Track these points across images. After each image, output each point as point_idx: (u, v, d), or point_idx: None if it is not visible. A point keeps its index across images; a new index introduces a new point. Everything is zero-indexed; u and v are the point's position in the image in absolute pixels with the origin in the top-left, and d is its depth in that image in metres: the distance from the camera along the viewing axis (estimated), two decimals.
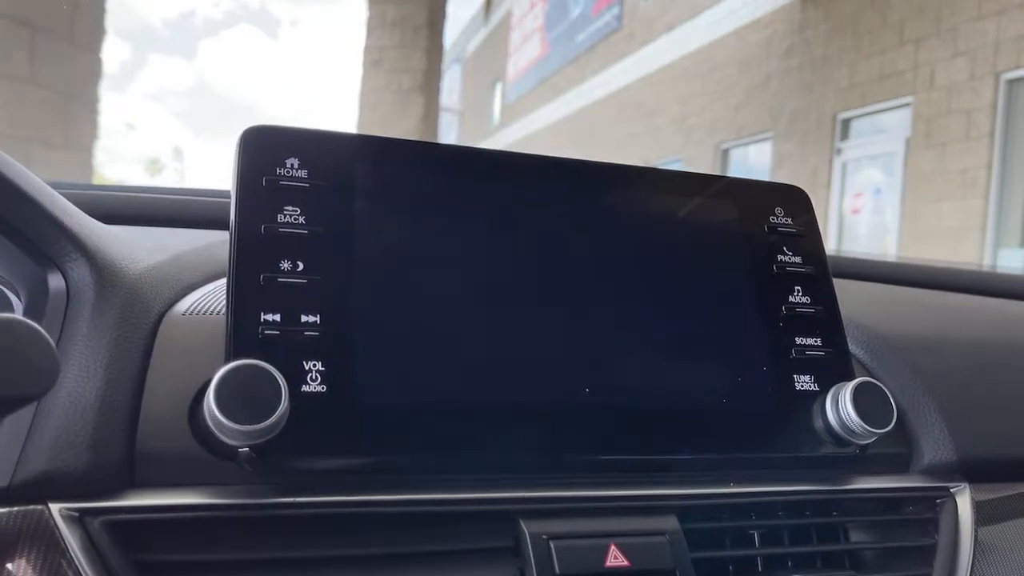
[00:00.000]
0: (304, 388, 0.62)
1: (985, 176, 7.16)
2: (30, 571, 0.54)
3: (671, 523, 0.68)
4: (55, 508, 0.56)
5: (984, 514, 0.80)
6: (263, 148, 0.68)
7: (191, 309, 0.70)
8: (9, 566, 0.54)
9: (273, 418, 0.57)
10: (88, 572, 0.54)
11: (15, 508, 0.56)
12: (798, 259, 0.82)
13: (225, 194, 0.76)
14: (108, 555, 0.55)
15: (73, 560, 0.54)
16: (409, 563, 0.62)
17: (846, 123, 8.77)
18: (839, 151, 8.79)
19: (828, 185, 8.81)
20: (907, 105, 7.90)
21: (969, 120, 7.23)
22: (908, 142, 7.91)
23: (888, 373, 0.84)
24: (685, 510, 0.69)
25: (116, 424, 0.60)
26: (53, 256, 0.64)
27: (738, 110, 10.45)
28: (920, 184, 7.78)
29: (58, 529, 0.55)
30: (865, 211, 8.60)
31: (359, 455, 0.62)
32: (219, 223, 0.86)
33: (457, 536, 0.64)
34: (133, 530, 0.57)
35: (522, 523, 0.64)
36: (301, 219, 0.66)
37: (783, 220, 0.83)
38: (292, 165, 0.68)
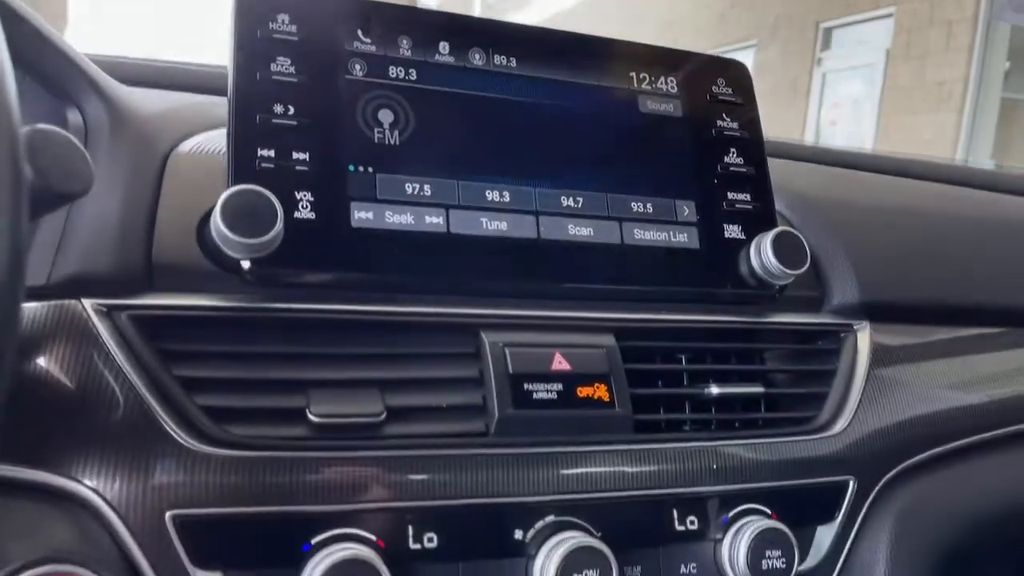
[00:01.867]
0: (296, 214, 0.72)
1: (961, 89, 7.24)
2: (68, 357, 0.65)
3: (608, 340, 0.80)
4: (87, 303, 0.66)
5: (882, 352, 0.93)
6: (256, 5, 0.76)
7: (195, 149, 0.79)
8: (50, 353, 0.65)
9: (271, 234, 0.67)
10: (118, 357, 0.65)
11: (52, 302, 0.66)
12: (735, 125, 0.92)
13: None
14: (135, 343, 0.66)
15: (104, 347, 0.65)
16: (386, 362, 0.74)
17: (828, 32, 8.74)
18: (820, 61, 8.79)
19: (807, 95, 8.85)
20: (890, 16, 7.88)
21: (950, 31, 7.25)
22: (888, 53, 7.93)
23: (807, 226, 0.95)
24: (621, 331, 0.81)
25: (136, 237, 0.70)
26: (72, 93, 0.73)
27: (723, 18, 10.35)
28: (898, 96, 7.84)
29: (91, 320, 0.66)
30: (842, 122, 8.67)
31: (343, 271, 0.73)
32: (223, 90, 0.94)
33: (428, 343, 0.75)
34: (154, 324, 0.68)
35: (483, 334, 0.76)
36: (291, 69, 0.75)
37: (724, 90, 0.93)
38: (283, 20, 0.76)
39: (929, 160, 1.47)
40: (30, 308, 0.66)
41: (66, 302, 0.67)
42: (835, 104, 8.72)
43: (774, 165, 0.93)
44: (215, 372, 0.68)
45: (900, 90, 7.79)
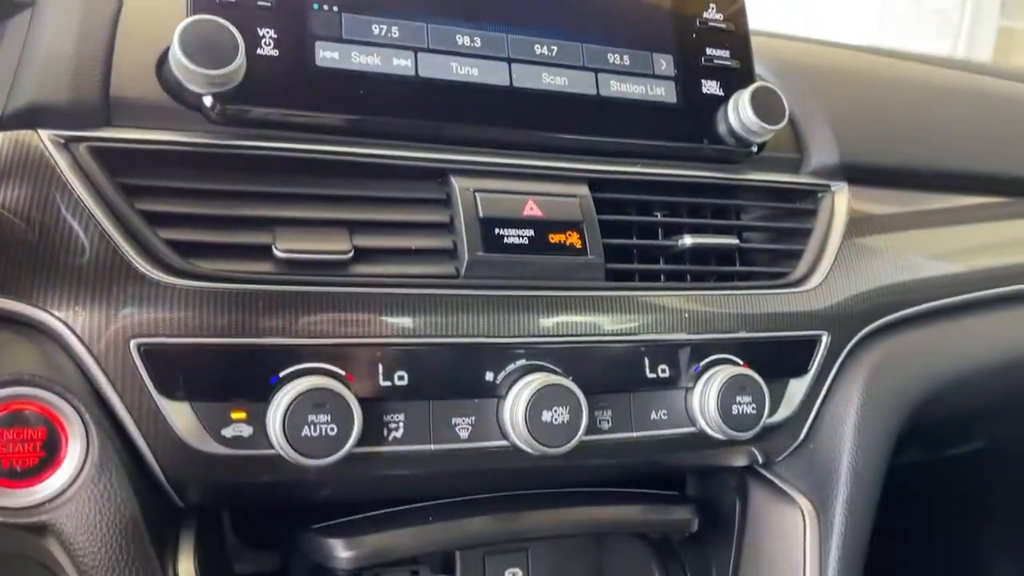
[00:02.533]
0: (258, 51, 0.70)
1: (958, 17, 7.12)
2: (28, 190, 0.64)
3: (582, 189, 0.79)
4: (44, 134, 0.65)
5: (859, 213, 0.93)
6: None
7: None
8: (9, 185, 0.64)
9: (233, 65, 0.65)
10: (78, 190, 0.64)
11: (7, 133, 0.65)
12: None
13: None
14: (95, 177, 0.65)
15: (64, 180, 0.64)
16: (354, 203, 0.72)
17: None
18: None
19: (807, 25, 8.70)
20: None
21: None
22: None
23: (788, 88, 0.93)
24: (596, 181, 0.80)
25: (92, 69, 0.68)
26: None
27: None
28: (894, 24, 7.72)
29: (48, 152, 0.64)
30: None
31: (308, 110, 0.72)
32: None
33: (397, 187, 0.74)
34: (114, 157, 0.66)
35: (452, 178, 0.75)
36: None
37: None
38: None
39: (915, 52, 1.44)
40: None
41: (22, 132, 0.65)
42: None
43: (759, 40, 0.91)
44: (178, 207, 0.67)
45: (897, 18, 7.67)
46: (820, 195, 0.91)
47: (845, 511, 0.83)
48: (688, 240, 0.82)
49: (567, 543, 0.95)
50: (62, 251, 0.63)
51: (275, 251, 0.68)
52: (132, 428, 0.63)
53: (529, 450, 0.71)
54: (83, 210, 0.63)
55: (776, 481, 0.88)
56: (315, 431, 0.64)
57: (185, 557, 0.66)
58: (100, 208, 0.64)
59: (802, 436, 0.86)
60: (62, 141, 0.65)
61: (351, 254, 0.70)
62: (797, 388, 0.85)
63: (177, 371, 0.64)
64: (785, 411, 0.84)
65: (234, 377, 0.65)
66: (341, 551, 0.72)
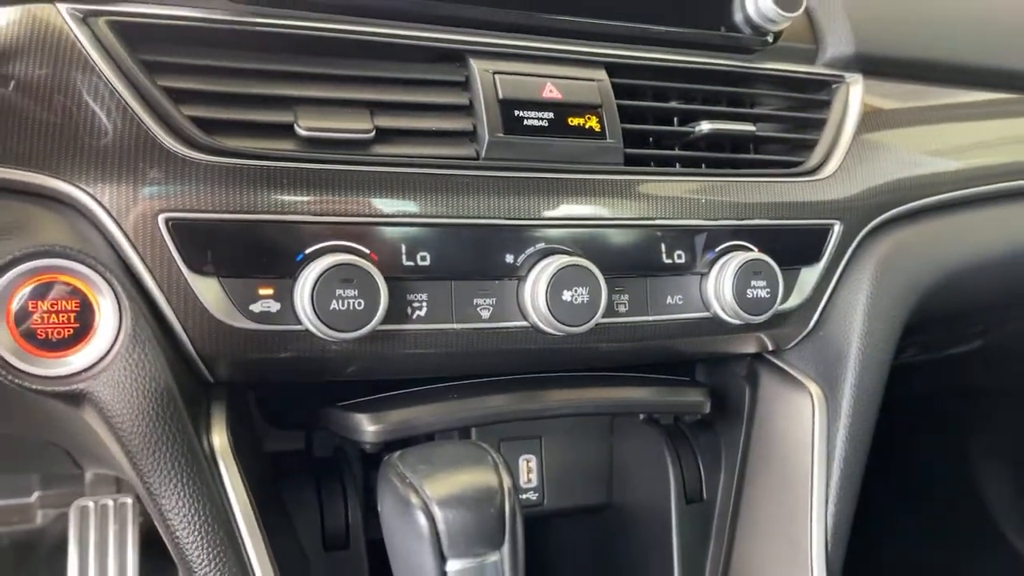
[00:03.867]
0: None
1: None
2: (49, 67, 0.63)
3: (600, 74, 0.79)
4: (62, 7, 0.64)
5: (874, 104, 0.93)
6: None
7: None
8: (30, 61, 0.63)
9: None
10: (100, 66, 0.63)
11: (24, 6, 0.64)
12: None
13: None
14: (115, 52, 0.64)
15: (85, 54, 0.63)
16: (375, 84, 0.72)
17: None
18: None
19: None
20: None
21: None
22: None
23: None
24: (614, 66, 0.80)
25: None
26: None
27: None
28: None
29: (68, 26, 0.64)
30: None
31: None
32: None
33: (418, 69, 0.74)
34: (135, 32, 0.65)
35: (472, 60, 0.74)
36: None
37: None
38: None
39: None
40: (1, 12, 0.63)
41: (39, 6, 0.64)
42: None
43: None
44: (201, 85, 0.67)
45: None
46: (835, 86, 0.91)
47: (853, 394, 0.86)
48: (705, 126, 0.82)
49: (579, 431, 0.98)
50: (86, 127, 0.63)
51: (298, 129, 0.68)
52: (163, 302, 0.64)
53: (549, 330, 0.73)
54: (106, 86, 0.63)
55: (786, 367, 0.91)
56: (343, 305, 0.65)
57: (218, 429, 0.68)
58: (123, 84, 0.64)
59: (812, 323, 0.88)
60: (81, 15, 0.64)
61: (373, 134, 0.70)
62: (809, 276, 0.86)
63: (204, 246, 0.64)
64: (797, 298, 0.86)
65: (260, 253, 0.66)
66: (367, 425, 0.74)
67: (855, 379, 0.86)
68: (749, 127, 0.85)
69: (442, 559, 0.55)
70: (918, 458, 2.07)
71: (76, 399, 0.62)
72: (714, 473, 0.94)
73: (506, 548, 0.57)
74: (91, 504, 1.58)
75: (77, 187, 0.63)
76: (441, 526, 0.55)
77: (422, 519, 0.55)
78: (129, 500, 1.61)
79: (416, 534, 0.55)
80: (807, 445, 0.86)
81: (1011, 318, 1.22)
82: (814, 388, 0.87)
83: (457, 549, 0.55)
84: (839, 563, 0.85)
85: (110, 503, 1.59)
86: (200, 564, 0.63)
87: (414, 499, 0.55)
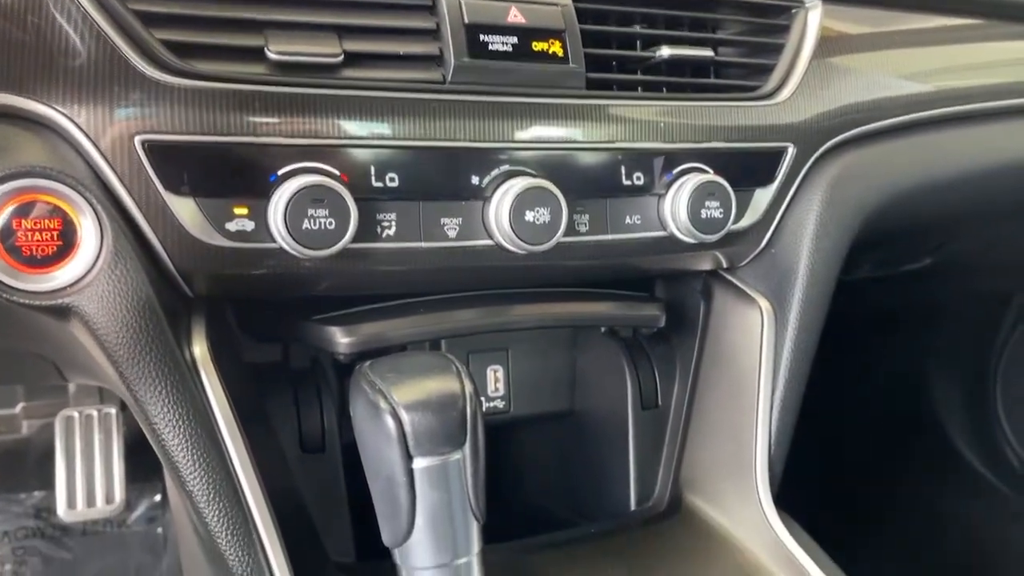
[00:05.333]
0: None
1: None
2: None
3: None
4: None
5: (832, 30, 0.95)
6: None
7: None
8: None
9: None
10: (91, 12, 0.65)
11: None
12: None
13: None
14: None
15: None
16: (342, 8, 0.74)
17: None
18: None
19: None
20: None
21: None
22: None
23: None
24: None
25: None
26: None
27: None
28: None
29: None
30: None
31: None
32: None
33: None
34: None
35: None
36: None
37: None
38: None
39: None
40: None
41: None
42: None
43: None
44: (171, 8, 0.68)
45: None
46: (794, 11, 0.93)
47: (800, 308, 0.91)
48: (665, 51, 0.85)
49: (544, 344, 1.03)
50: (60, 49, 0.65)
51: (268, 53, 0.70)
52: (141, 221, 0.67)
53: (513, 248, 0.77)
54: (78, 9, 0.65)
55: (738, 284, 0.96)
56: (315, 224, 0.68)
57: (198, 340, 0.72)
58: (94, 6, 0.65)
59: (764, 242, 0.93)
60: None
61: (341, 58, 0.72)
62: (762, 197, 0.90)
63: (180, 167, 0.67)
64: (750, 218, 0.90)
65: (234, 174, 0.69)
66: (340, 337, 0.79)
67: (802, 294, 0.91)
68: (708, 52, 0.88)
69: (408, 457, 0.60)
70: (874, 376, 2.16)
71: (63, 313, 0.65)
72: (669, 382, 1.00)
73: (467, 447, 0.62)
74: (76, 414, 1.63)
75: (54, 109, 0.65)
76: (408, 428, 0.60)
77: (390, 422, 0.60)
78: (113, 410, 1.66)
79: (385, 435, 0.60)
80: (755, 355, 0.92)
81: (960, 237, 1.28)
82: (764, 303, 0.93)
83: (422, 448, 0.60)
84: (781, 465, 0.91)
85: (94, 413, 1.64)
86: (185, 464, 0.68)
87: (383, 404, 0.60)
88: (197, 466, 0.68)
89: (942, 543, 1.94)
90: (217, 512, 0.69)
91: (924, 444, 2.01)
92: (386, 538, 0.64)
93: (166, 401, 0.67)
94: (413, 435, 0.60)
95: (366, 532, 0.83)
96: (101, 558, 1.80)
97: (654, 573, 0.83)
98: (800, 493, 0.99)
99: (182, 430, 0.68)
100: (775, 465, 0.90)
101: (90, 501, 1.59)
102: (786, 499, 0.91)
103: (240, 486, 0.70)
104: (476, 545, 0.64)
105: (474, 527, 0.64)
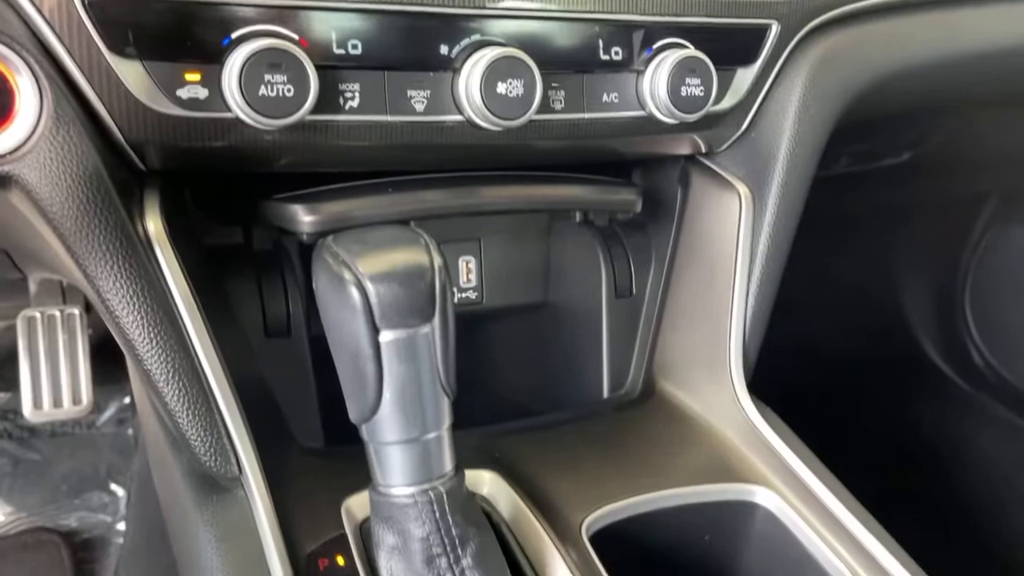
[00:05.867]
0: None
1: None
2: None
3: None
4: None
5: None
6: None
7: None
8: None
9: None
10: None
11: None
12: None
13: None
14: None
15: None
16: None
17: None
18: None
19: None
20: None
21: None
22: None
23: None
24: None
25: None
26: None
27: None
28: None
29: None
30: None
31: None
32: None
33: None
34: None
35: None
36: None
37: None
38: None
39: None
40: None
41: None
42: None
43: None
44: None
45: None
46: None
47: (779, 194, 0.89)
48: None
49: (517, 233, 1.00)
50: None
51: None
52: (84, 85, 0.63)
53: (484, 124, 0.73)
54: None
55: (717, 169, 0.93)
56: (272, 91, 0.64)
57: (152, 216, 0.68)
58: None
59: (745, 125, 0.90)
60: None
61: None
62: (744, 77, 0.87)
63: (124, 27, 0.62)
64: (731, 99, 0.87)
65: (184, 36, 0.64)
66: (303, 216, 0.75)
67: (782, 179, 0.89)
68: None
69: (375, 330, 0.58)
70: (847, 276, 2.17)
71: (3, 183, 0.61)
72: (644, 270, 0.99)
73: (436, 321, 0.60)
74: (38, 314, 1.59)
75: None
76: (373, 299, 0.57)
77: (355, 293, 0.57)
78: (76, 311, 1.62)
79: (350, 308, 0.58)
80: (732, 242, 0.90)
81: (940, 129, 1.25)
82: (743, 188, 0.90)
83: (389, 321, 0.58)
84: (755, 352, 0.91)
85: (57, 313, 1.60)
86: (141, 341, 0.65)
87: (347, 275, 0.58)
88: (154, 344, 0.65)
89: (908, 441, 1.99)
90: (177, 391, 0.66)
91: (893, 344, 2.04)
92: (353, 414, 0.62)
93: (118, 276, 0.64)
94: (379, 307, 0.57)
95: (334, 420, 0.82)
96: (71, 459, 1.80)
97: (627, 456, 0.83)
98: (772, 385, 0.99)
99: (136, 306, 0.65)
100: (749, 352, 0.90)
101: (56, 402, 1.57)
102: (758, 389, 0.91)
103: (201, 366, 0.68)
104: (446, 420, 0.62)
105: (444, 402, 0.62)
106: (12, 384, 1.72)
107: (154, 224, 0.68)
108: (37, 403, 1.56)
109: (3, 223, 0.74)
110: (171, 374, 0.66)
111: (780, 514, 0.78)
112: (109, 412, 1.84)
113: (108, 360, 1.65)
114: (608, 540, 0.73)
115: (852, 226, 1.97)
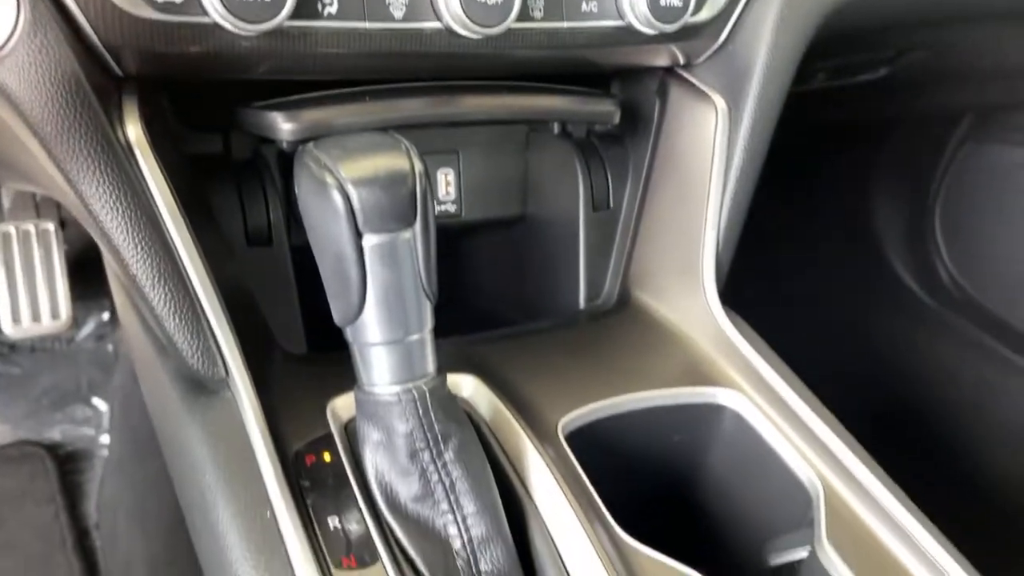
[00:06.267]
0: None
1: None
2: None
3: None
4: None
5: None
6: None
7: None
8: None
9: None
10: None
11: None
12: None
13: None
14: None
15: None
16: None
17: None
18: None
19: None
20: None
21: None
22: None
23: None
24: None
25: None
26: None
27: None
28: None
29: None
30: None
31: None
32: None
33: None
34: None
35: None
36: None
37: None
38: None
39: None
40: None
41: None
42: None
43: None
44: None
45: None
46: None
47: (755, 106, 0.90)
48: None
49: (495, 145, 1.01)
50: None
51: None
52: None
53: (463, 31, 0.73)
54: None
55: (695, 81, 0.93)
56: None
57: (131, 121, 0.68)
58: None
59: (723, 37, 0.90)
60: None
61: None
62: None
63: None
64: (710, 10, 0.86)
65: None
66: (282, 123, 0.75)
67: (758, 91, 0.90)
68: None
69: (358, 234, 0.59)
70: (821, 192, 2.19)
71: None
72: (621, 184, 1.00)
73: (417, 226, 0.61)
74: (13, 230, 1.58)
75: None
76: (356, 203, 0.58)
77: (338, 198, 0.58)
78: (51, 226, 1.62)
79: (332, 212, 0.59)
80: (708, 155, 0.91)
81: (917, 45, 1.26)
82: (719, 101, 0.91)
83: (372, 225, 0.59)
84: (728, 263, 0.93)
85: (31, 228, 1.59)
86: (126, 246, 0.66)
87: (329, 180, 0.58)
88: (139, 248, 0.66)
89: (872, 352, 2.05)
90: (163, 295, 0.68)
91: (863, 260, 2.08)
92: (337, 317, 0.64)
93: (101, 180, 0.64)
94: (362, 211, 0.58)
95: (316, 327, 0.84)
96: (51, 373, 1.81)
97: (602, 361, 0.86)
98: (744, 295, 1.02)
99: (120, 211, 0.65)
100: (722, 263, 0.92)
101: (36, 317, 1.58)
102: (729, 300, 0.94)
103: (185, 271, 0.69)
104: (428, 323, 0.64)
105: (426, 306, 0.64)
106: None
107: (134, 131, 0.68)
108: (16, 317, 1.57)
109: None
110: (156, 279, 0.67)
111: (746, 414, 0.82)
112: (88, 328, 1.85)
113: (85, 277, 1.65)
114: (583, 439, 0.77)
115: (828, 143, 1.99)
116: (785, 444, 0.78)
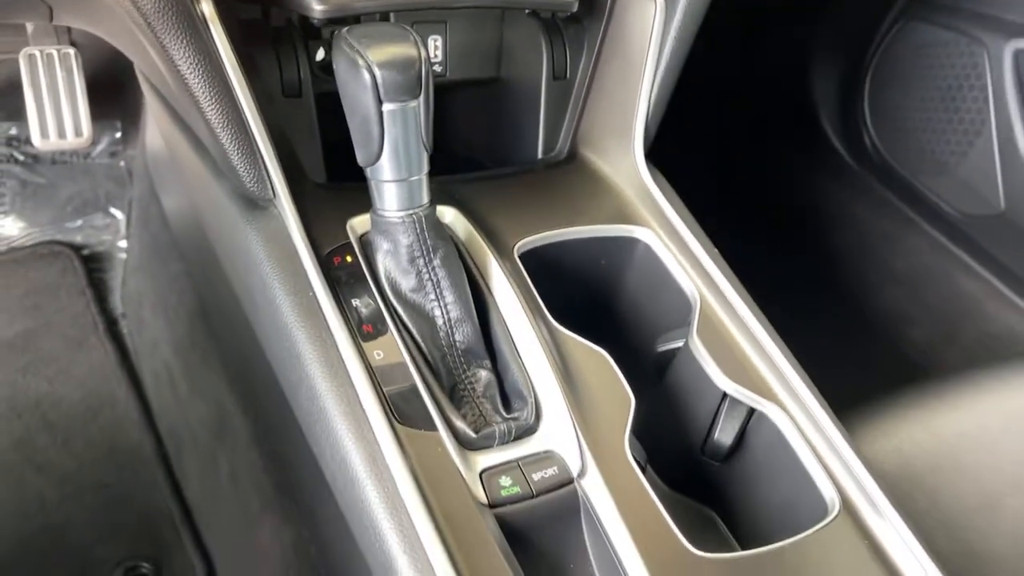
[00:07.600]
0: None
1: None
2: None
3: None
4: None
5: None
6: None
7: None
8: None
9: None
10: None
11: None
12: None
13: None
14: None
15: None
16: None
17: None
18: None
19: None
20: None
21: None
22: None
23: None
24: None
25: None
26: None
27: None
28: None
29: None
30: None
31: None
32: None
33: None
34: None
35: None
36: None
37: None
38: None
39: None
40: None
41: None
42: None
43: None
44: None
45: None
46: None
47: (686, 2, 1.11)
48: None
49: (477, 20, 1.22)
50: None
51: None
52: None
53: None
54: None
55: None
56: None
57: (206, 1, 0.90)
58: None
59: None
60: None
61: None
62: None
63: None
64: None
65: None
66: (315, 3, 0.97)
67: None
68: None
69: (380, 102, 0.83)
70: (760, 65, 2.38)
71: None
72: (576, 57, 1.22)
73: (421, 98, 0.85)
74: (37, 52, 1.75)
75: None
76: (379, 80, 0.81)
77: (366, 75, 0.81)
78: (71, 50, 1.78)
79: (362, 86, 0.82)
80: (647, 40, 1.13)
81: None
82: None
83: (390, 96, 0.82)
84: (654, 129, 1.17)
85: (54, 52, 1.76)
86: (205, 98, 0.89)
87: (360, 61, 0.81)
88: (214, 100, 0.90)
89: (804, 207, 2.32)
90: (229, 135, 0.92)
91: (798, 130, 2.30)
92: (361, 159, 0.89)
93: (186, 48, 0.87)
94: (383, 86, 0.82)
95: (334, 162, 1.09)
96: (72, 183, 2.03)
97: (552, 202, 1.12)
98: (681, 158, 1.28)
99: (201, 70, 0.88)
100: (650, 129, 1.17)
101: (61, 133, 1.77)
102: (665, 161, 1.19)
103: (244, 116, 0.93)
104: (425, 168, 0.89)
105: (424, 155, 0.89)
106: (13, 115, 1.90)
107: (208, 6, 0.90)
108: (44, 133, 1.77)
109: None
110: (225, 122, 0.91)
111: (653, 246, 1.10)
112: (102, 145, 2.05)
113: (97, 100, 1.84)
114: (532, 258, 1.04)
115: (768, 17, 2.16)
116: (677, 267, 1.07)
